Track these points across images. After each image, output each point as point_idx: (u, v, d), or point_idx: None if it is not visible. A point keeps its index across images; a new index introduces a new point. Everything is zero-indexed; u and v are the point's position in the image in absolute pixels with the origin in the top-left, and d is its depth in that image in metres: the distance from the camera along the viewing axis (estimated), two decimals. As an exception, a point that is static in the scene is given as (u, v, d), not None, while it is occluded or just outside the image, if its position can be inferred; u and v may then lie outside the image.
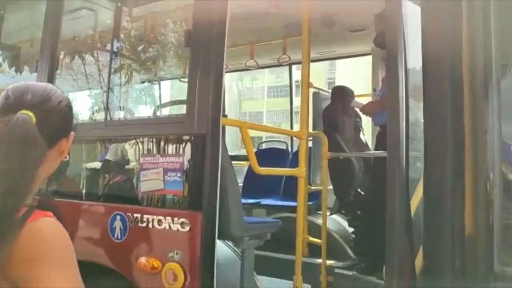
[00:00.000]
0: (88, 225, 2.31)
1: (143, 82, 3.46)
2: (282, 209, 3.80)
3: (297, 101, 3.90)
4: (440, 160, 1.48)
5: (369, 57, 4.21)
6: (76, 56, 3.07)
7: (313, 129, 3.84)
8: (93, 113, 2.98)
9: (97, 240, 2.25)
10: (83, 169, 2.56)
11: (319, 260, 3.26)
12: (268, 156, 4.54)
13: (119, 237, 2.17)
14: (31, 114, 1.00)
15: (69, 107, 1.13)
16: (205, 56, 2.02)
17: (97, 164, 2.50)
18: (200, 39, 2.05)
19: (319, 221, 3.42)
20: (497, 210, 1.39)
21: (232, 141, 6.16)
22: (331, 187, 3.53)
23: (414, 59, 1.59)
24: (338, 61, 10.23)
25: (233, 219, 2.19)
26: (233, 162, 4.04)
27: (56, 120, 1.07)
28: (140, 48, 3.05)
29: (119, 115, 2.65)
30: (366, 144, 3.89)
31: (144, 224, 2.11)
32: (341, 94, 3.69)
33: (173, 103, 2.85)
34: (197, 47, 2.06)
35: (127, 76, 2.85)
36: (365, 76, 4.54)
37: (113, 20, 2.69)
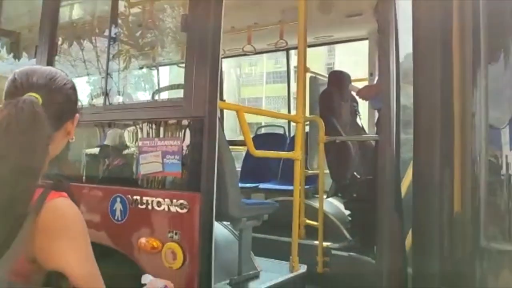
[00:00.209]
0: (90, 207, 2.36)
1: (141, 68, 3.48)
2: (280, 193, 3.85)
3: (295, 87, 3.93)
4: (429, 142, 1.52)
5: (367, 42, 4.23)
6: (75, 42, 3.10)
7: (310, 113, 3.88)
8: (93, 98, 3.02)
9: (99, 222, 2.31)
10: (84, 154, 2.60)
11: (316, 242, 3.33)
12: (266, 140, 4.58)
13: (120, 218, 2.23)
14: (37, 96, 1.06)
15: (73, 89, 1.18)
16: (202, 40, 2.05)
17: (97, 149, 2.54)
18: (197, 23, 2.07)
19: (316, 204, 3.48)
20: (483, 189, 1.44)
21: (231, 128, 6.20)
22: (328, 171, 3.59)
23: (406, 44, 1.63)
24: (337, 46, 10.19)
25: (231, 200, 2.25)
26: (231, 147, 4.11)
27: (62, 101, 1.12)
28: (138, 33, 3.07)
29: (118, 99, 2.68)
30: (363, 128, 3.93)
31: (144, 206, 2.16)
32: (338, 79, 3.73)
33: (171, 87, 2.89)
34: (193, 32, 2.09)
35: (126, 61, 2.87)
36: (365, 60, 4.56)
37: (111, 5, 2.70)
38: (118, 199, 2.25)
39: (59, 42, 2.92)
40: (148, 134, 2.24)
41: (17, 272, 0.98)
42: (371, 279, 1.63)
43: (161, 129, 2.22)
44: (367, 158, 3.37)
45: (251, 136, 4.89)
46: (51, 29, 2.77)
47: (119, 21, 2.88)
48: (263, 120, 7.92)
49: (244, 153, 4.57)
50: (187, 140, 2.09)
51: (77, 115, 1.18)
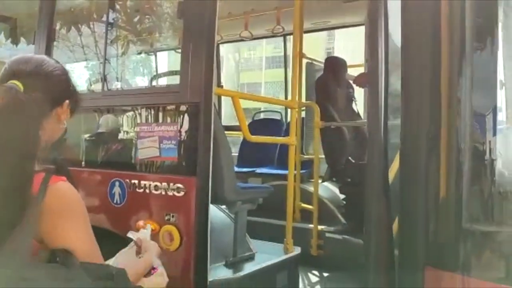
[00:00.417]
0: (89, 191, 2.42)
1: (140, 53, 3.51)
2: (276, 177, 3.92)
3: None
4: (416, 128, 1.58)
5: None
6: (73, 28, 3.12)
7: (307, 99, 3.93)
8: (91, 84, 3.05)
9: (98, 205, 2.37)
10: (84, 139, 2.65)
11: (311, 225, 3.42)
12: (264, 126, 4.64)
13: (118, 202, 2.29)
14: (18, 83, 1.11)
15: (63, 75, 1.22)
16: (198, 27, 2.08)
17: (96, 134, 2.60)
18: (192, 10, 2.10)
19: (311, 188, 3.56)
20: (467, 173, 1.50)
21: (230, 114, 6.24)
22: (323, 156, 3.66)
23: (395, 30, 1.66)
24: (336, 31, 10.13)
25: (226, 184, 2.31)
26: (229, 132, 4.16)
27: (49, 88, 1.17)
28: (136, 19, 3.09)
29: (116, 85, 2.72)
30: (358, 114, 3.98)
31: (142, 190, 2.22)
32: (334, 65, 3.76)
33: (168, 73, 2.92)
34: (189, 19, 2.12)
35: (124, 46, 2.91)
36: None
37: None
38: (117, 183, 2.30)
39: (58, 28, 2.95)
40: (145, 119, 2.29)
41: None
42: (363, 261, 1.69)
43: (158, 114, 2.26)
44: (362, 144, 3.42)
45: (249, 121, 4.98)
46: (49, 16, 2.79)
47: (117, 6, 2.90)
48: (262, 105, 7.96)
49: (241, 138, 4.62)
50: (184, 126, 2.13)
51: (67, 101, 1.22)
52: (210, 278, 2.09)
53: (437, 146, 1.55)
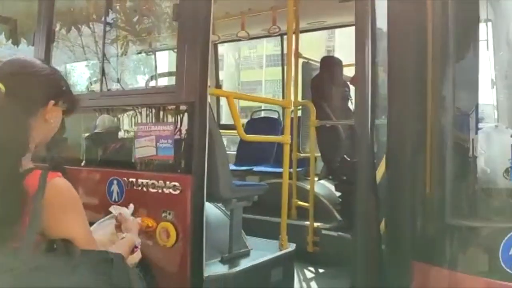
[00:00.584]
0: (88, 189, 2.48)
1: (139, 53, 3.56)
2: (273, 175, 3.95)
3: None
4: (402, 127, 1.63)
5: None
6: (72, 28, 3.18)
7: (304, 98, 3.98)
8: (91, 83, 3.11)
9: (97, 203, 2.43)
10: (82, 139, 2.71)
11: (307, 222, 3.47)
12: (261, 124, 4.69)
13: (116, 199, 2.35)
14: (0, 85, 1.17)
15: (50, 77, 1.28)
16: (192, 30, 2.13)
17: (94, 133, 2.65)
18: (187, 13, 2.16)
19: (308, 186, 3.61)
20: (452, 170, 1.55)
21: (230, 114, 6.29)
22: (319, 154, 3.71)
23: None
24: (337, 30, 10.13)
25: (222, 182, 2.36)
26: (229, 131, 4.21)
27: (31, 90, 1.22)
28: (134, 20, 3.15)
29: (114, 86, 2.77)
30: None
31: (139, 187, 2.28)
32: (329, 64, 3.81)
33: (164, 74, 2.98)
34: (184, 21, 2.17)
35: (122, 48, 2.96)
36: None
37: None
38: (115, 182, 2.36)
39: (58, 28, 3.00)
40: (142, 119, 2.35)
41: None
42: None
43: (155, 114, 2.32)
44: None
45: (248, 120, 5.04)
46: (48, 17, 2.85)
47: (115, 7, 2.95)
48: (262, 104, 8.00)
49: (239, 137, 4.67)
50: (179, 125, 2.19)
51: (52, 101, 1.27)
52: (206, 274, 2.15)
53: (422, 144, 1.61)
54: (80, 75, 3.61)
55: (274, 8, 3.95)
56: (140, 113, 2.37)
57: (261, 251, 2.66)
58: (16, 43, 3.82)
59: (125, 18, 3.18)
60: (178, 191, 2.15)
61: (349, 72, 4.03)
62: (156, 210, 2.20)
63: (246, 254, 2.58)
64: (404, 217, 1.62)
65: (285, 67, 5.23)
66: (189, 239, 2.13)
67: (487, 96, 2.24)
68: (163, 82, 3.27)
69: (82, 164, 2.64)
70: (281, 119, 4.93)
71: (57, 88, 1.30)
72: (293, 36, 3.82)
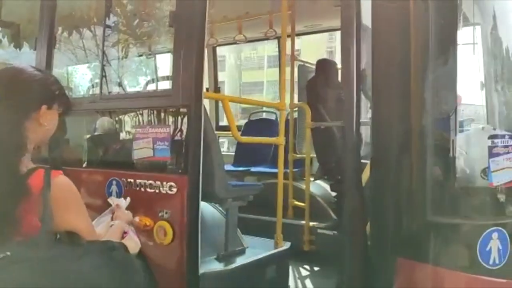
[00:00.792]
0: (88, 190, 2.56)
1: (140, 55, 3.64)
2: (271, 176, 4.02)
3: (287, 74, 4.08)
4: (387, 128, 1.71)
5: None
6: (73, 34, 3.26)
7: (299, 100, 4.06)
8: (92, 87, 3.20)
9: (97, 203, 2.51)
10: (84, 140, 2.79)
11: (303, 222, 3.55)
12: (259, 126, 4.76)
13: (116, 199, 2.43)
14: None
15: (40, 83, 1.37)
16: (188, 36, 2.21)
17: (94, 136, 2.74)
18: (183, 20, 2.24)
19: (304, 186, 3.69)
20: (433, 170, 1.63)
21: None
22: (315, 154, 3.79)
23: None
24: (337, 32, 10.19)
25: (217, 182, 2.45)
26: (227, 132, 4.28)
27: (24, 95, 1.32)
28: (132, 26, 3.23)
29: (113, 89, 2.85)
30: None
31: (137, 188, 2.36)
32: (325, 67, 3.89)
33: (160, 78, 3.06)
34: (180, 27, 2.25)
35: (120, 53, 3.04)
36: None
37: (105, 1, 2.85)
38: (114, 182, 2.44)
39: (60, 31, 3.09)
40: (140, 122, 2.43)
41: None
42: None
43: (152, 117, 2.40)
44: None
45: (246, 121, 5.12)
46: (49, 23, 2.93)
47: (115, 11, 3.03)
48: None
49: (238, 138, 4.74)
50: (175, 128, 2.27)
51: (43, 106, 1.36)
52: (202, 270, 2.23)
53: (405, 145, 1.68)
54: (82, 76, 3.70)
55: (271, 12, 4.03)
56: (138, 116, 2.45)
57: (256, 249, 2.74)
58: (18, 46, 3.91)
59: (125, 21, 3.26)
60: (174, 191, 2.22)
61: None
62: (154, 210, 2.28)
63: (242, 252, 2.66)
64: (388, 215, 1.69)
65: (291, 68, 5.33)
66: (185, 237, 2.20)
67: (476, 97, 2.33)
68: (161, 84, 3.35)
69: (83, 165, 2.72)
70: (279, 120, 5.01)
71: (49, 93, 1.39)
72: (290, 39, 3.95)
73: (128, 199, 1.79)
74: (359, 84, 1.77)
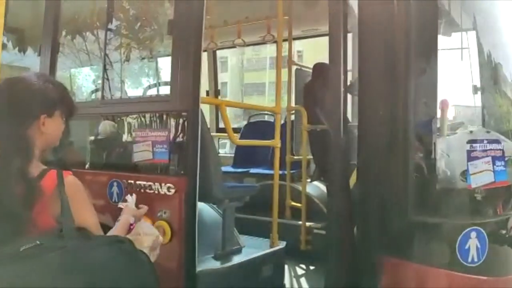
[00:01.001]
0: (90, 191, 2.65)
1: (142, 58, 3.74)
2: (269, 177, 4.11)
3: (285, 76, 4.19)
4: (371, 132, 1.80)
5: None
6: (76, 38, 3.37)
7: (296, 103, 4.16)
8: (96, 91, 3.30)
9: (98, 203, 2.61)
10: (87, 143, 2.89)
11: (300, 222, 3.64)
12: (258, 128, 4.85)
13: (116, 200, 2.53)
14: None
15: (39, 93, 1.48)
16: (186, 44, 2.31)
17: (96, 139, 2.84)
18: (181, 28, 2.34)
19: (301, 187, 3.78)
20: (412, 172, 1.72)
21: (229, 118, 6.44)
22: (312, 156, 3.88)
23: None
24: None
25: (214, 184, 2.54)
26: (225, 134, 4.37)
27: (22, 105, 1.43)
28: (134, 30, 3.33)
29: (114, 94, 2.95)
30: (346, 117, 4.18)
31: (137, 189, 2.45)
32: (321, 71, 3.97)
33: (159, 84, 3.15)
34: (178, 36, 2.36)
35: (122, 57, 3.13)
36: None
37: (107, 5, 2.96)
38: (115, 183, 2.54)
39: (63, 35, 3.19)
40: (140, 125, 2.53)
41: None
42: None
43: (152, 121, 2.50)
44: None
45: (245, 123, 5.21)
46: (53, 30, 3.04)
47: (117, 16, 3.13)
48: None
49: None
50: (174, 131, 2.37)
51: (43, 115, 1.47)
52: (199, 268, 2.32)
53: (389, 148, 1.77)
54: (84, 80, 3.80)
55: (269, 17, 4.12)
56: (138, 120, 2.55)
57: (253, 248, 2.83)
58: (22, 50, 4.02)
59: (127, 25, 3.35)
60: (172, 192, 2.32)
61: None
62: (153, 210, 2.36)
63: (238, 251, 2.75)
64: (373, 215, 1.78)
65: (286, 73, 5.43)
66: (183, 236, 2.29)
67: (466, 101, 2.41)
68: (161, 89, 3.44)
69: (86, 167, 2.82)
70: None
71: (48, 102, 1.49)
72: (288, 43, 4.04)
73: (134, 196, 1.91)
74: (345, 87, 1.87)
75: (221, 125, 5.30)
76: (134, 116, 2.56)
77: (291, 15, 3.98)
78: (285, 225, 3.58)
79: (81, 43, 3.36)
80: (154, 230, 1.77)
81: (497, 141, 1.81)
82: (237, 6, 4.13)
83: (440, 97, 1.83)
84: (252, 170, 4.37)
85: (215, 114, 5.14)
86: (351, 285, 1.86)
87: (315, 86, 3.86)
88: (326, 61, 3.92)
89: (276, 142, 2.88)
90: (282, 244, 2.95)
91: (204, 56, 5.11)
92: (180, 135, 2.34)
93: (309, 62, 4.47)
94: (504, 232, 1.74)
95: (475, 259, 1.68)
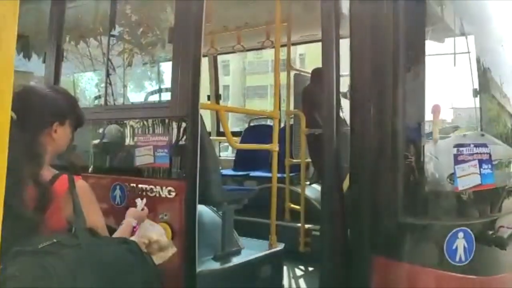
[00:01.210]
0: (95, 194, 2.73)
1: (144, 63, 3.82)
2: (269, 180, 4.17)
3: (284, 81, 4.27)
4: (362, 136, 1.88)
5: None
6: (79, 46, 3.46)
7: (295, 107, 4.23)
8: (99, 97, 3.39)
9: (102, 206, 2.68)
10: (91, 147, 2.98)
11: (299, 224, 3.71)
12: (258, 132, 4.92)
13: (119, 203, 2.61)
14: (12, 113, 1.48)
15: (52, 103, 1.57)
16: (185, 52, 2.39)
17: (100, 144, 2.92)
18: (181, 37, 2.41)
19: (300, 190, 3.85)
20: (403, 175, 1.79)
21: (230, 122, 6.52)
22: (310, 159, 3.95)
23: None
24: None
25: (213, 187, 2.62)
26: (225, 138, 4.44)
27: (36, 115, 1.52)
28: (135, 41, 3.42)
29: (116, 101, 3.04)
30: (345, 121, 4.25)
31: (139, 192, 2.53)
32: (320, 75, 4.03)
33: (160, 91, 3.24)
34: (178, 44, 2.44)
35: (123, 65, 3.22)
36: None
37: (109, 15, 3.04)
38: (118, 187, 2.62)
39: (67, 40, 3.28)
40: (142, 130, 2.61)
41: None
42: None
43: (153, 126, 2.58)
44: (345, 148, 3.70)
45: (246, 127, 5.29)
46: (58, 38, 3.13)
47: (120, 23, 3.22)
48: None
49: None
50: (174, 136, 2.45)
51: (56, 123, 1.56)
52: (199, 269, 2.39)
53: (380, 152, 1.85)
54: (87, 82, 3.89)
55: (268, 23, 4.20)
56: (140, 125, 2.63)
57: (252, 250, 2.90)
58: (27, 56, 4.11)
59: (129, 31, 3.44)
60: (173, 195, 2.39)
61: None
62: (154, 212, 2.44)
63: (238, 252, 2.82)
64: (365, 217, 1.85)
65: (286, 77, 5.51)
66: (183, 237, 2.36)
67: (462, 104, 2.48)
68: (163, 95, 3.53)
69: (90, 170, 2.91)
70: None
71: (60, 111, 1.59)
72: (286, 48, 4.12)
73: (145, 200, 2.02)
74: (338, 92, 1.94)
75: (222, 129, 5.38)
76: (136, 121, 2.64)
77: (290, 21, 4.06)
78: (285, 227, 3.66)
79: (84, 49, 3.46)
80: (158, 229, 1.85)
81: (484, 145, 1.88)
82: (237, 12, 4.21)
83: (433, 101, 1.90)
84: (252, 173, 4.44)
85: (216, 118, 5.22)
86: (344, 285, 1.92)
87: (313, 91, 3.93)
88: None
89: (274, 146, 2.96)
90: (280, 246, 3.02)
91: (205, 61, 5.21)
92: (181, 140, 2.42)
93: (311, 65, 4.55)
94: (491, 232, 1.81)
95: (463, 259, 1.74)
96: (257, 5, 4.01)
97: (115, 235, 1.71)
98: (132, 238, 1.74)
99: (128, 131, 2.70)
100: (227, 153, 6.55)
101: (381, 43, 1.91)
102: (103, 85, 3.01)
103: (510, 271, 1.91)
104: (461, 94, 2.42)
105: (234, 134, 4.66)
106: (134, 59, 3.34)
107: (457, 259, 1.73)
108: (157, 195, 2.46)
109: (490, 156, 1.86)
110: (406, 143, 1.80)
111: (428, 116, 1.94)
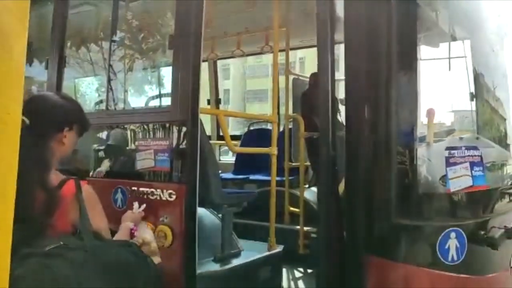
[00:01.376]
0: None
1: (145, 68, 3.88)
2: (269, 183, 4.21)
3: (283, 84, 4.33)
4: (359, 139, 1.93)
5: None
6: (81, 52, 3.52)
7: (295, 111, 4.29)
8: (97, 105, 3.44)
9: (104, 209, 2.73)
10: (93, 152, 3.03)
11: (298, 227, 3.76)
12: (257, 136, 4.98)
13: (121, 206, 2.66)
14: (24, 118, 1.54)
15: (62, 109, 1.64)
16: (185, 58, 2.44)
17: (102, 148, 2.97)
18: (181, 44, 2.47)
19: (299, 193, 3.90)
20: (397, 176, 1.84)
21: (231, 126, 6.57)
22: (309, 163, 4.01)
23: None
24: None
25: (213, 190, 2.67)
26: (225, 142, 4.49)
27: (44, 122, 1.59)
28: (136, 46, 3.47)
29: (117, 106, 3.09)
30: (343, 124, 4.31)
31: (140, 195, 2.58)
32: (318, 80, 4.10)
33: (160, 96, 3.29)
34: (178, 50, 2.49)
35: (124, 70, 3.28)
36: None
37: (111, 23, 3.10)
38: (119, 190, 2.67)
39: (69, 45, 3.35)
40: (143, 135, 2.66)
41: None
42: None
43: (153, 130, 2.63)
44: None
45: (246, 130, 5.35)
46: (60, 45, 3.19)
47: (121, 28, 3.28)
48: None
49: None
50: (175, 140, 2.50)
51: (66, 128, 1.62)
52: (199, 271, 2.44)
53: (375, 154, 1.90)
54: (88, 87, 3.95)
55: (267, 28, 4.27)
56: (141, 129, 2.69)
57: (251, 252, 2.95)
58: (29, 62, 4.17)
59: (130, 36, 3.50)
60: (173, 198, 2.44)
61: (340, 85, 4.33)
62: (155, 215, 2.49)
63: (237, 254, 2.87)
64: (360, 218, 1.90)
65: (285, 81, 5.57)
66: (183, 240, 2.40)
67: (458, 107, 2.53)
68: (163, 99, 3.58)
69: (92, 174, 2.96)
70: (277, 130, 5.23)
71: (70, 117, 1.66)
72: (285, 53, 4.18)
73: (144, 205, 2.09)
74: (334, 95, 2.00)
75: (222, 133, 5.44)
76: (137, 125, 2.70)
77: (289, 26, 4.11)
78: (284, 230, 3.71)
79: (86, 54, 3.52)
80: (151, 234, 1.91)
81: (475, 148, 1.93)
82: (237, 18, 4.28)
83: (428, 104, 1.95)
84: (252, 177, 4.49)
85: (216, 122, 5.27)
86: (341, 286, 1.97)
87: (312, 95, 3.99)
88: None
89: (273, 149, 3.01)
90: (279, 248, 3.07)
91: (205, 65, 5.27)
92: (181, 144, 2.47)
93: (310, 69, 4.62)
94: (483, 233, 1.85)
95: (455, 258, 1.79)
96: (257, 10, 4.08)
97: (116, 237, 1.78)
98: (132, 241, 1.80)
99: (129, 136, 2.76)
100: (227, 157, 6.60)
101: (375, 47, 1.97)
102: (104, 90, 3.07)
103: (501, 270, 1.95)
104: (456, 97, 2.47)
105: (234, 137, 4.73)
106: (135, 65, 3.39)
107: (450, 258, 1.78)
108: (158, 198, 2.50)
109: (482, 158, 1.91)
110: (400, 146, 1.85)
111: (423, 119, 2.00)
